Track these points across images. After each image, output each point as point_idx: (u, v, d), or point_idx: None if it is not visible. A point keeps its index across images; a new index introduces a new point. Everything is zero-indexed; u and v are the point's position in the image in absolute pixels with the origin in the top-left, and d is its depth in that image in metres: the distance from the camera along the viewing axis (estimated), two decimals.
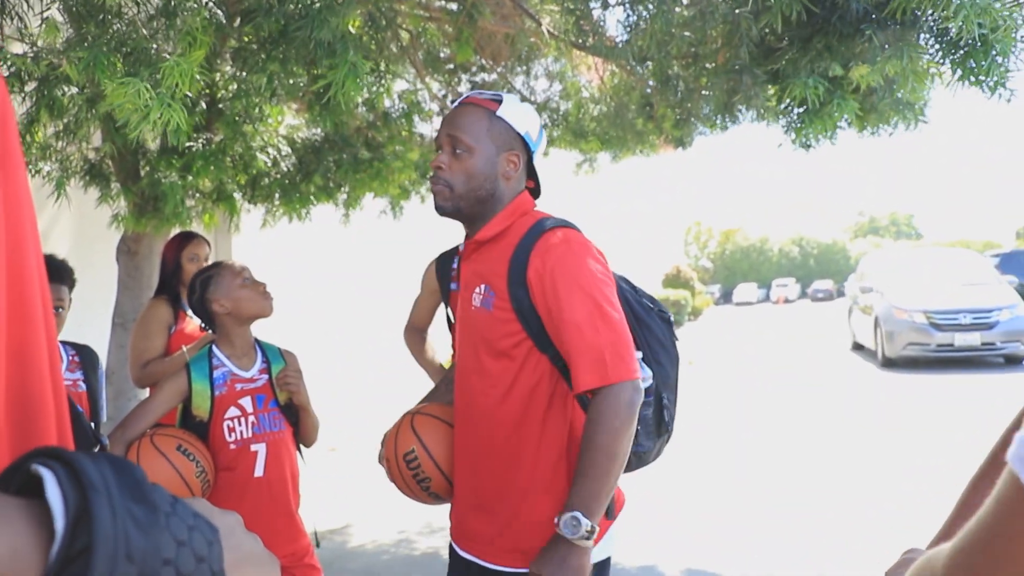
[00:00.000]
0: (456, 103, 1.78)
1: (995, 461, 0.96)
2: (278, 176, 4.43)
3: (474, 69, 5.15)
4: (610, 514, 1.71)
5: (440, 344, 2.98)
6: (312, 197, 4.51)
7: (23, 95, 2.74)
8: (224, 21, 2.85)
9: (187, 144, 3.39)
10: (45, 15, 2.50)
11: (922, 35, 2.51)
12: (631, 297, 1.86)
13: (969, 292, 11.24)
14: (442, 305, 2.61)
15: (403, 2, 3.76)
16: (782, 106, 3.28)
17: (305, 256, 7.69)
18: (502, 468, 1.71)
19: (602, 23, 3.62)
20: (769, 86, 3.12)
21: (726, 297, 56.60)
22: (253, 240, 6.35)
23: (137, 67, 2.21)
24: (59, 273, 2.45)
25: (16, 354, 0.53)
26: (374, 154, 4.62)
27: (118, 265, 4.01)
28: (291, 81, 3.25)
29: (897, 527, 4.30)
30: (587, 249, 1.69)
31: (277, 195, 4.45)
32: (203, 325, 2.46)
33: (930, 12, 2.23)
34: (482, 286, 1.73)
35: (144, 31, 2.36)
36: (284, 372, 2.36)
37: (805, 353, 14.23)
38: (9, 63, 2.52)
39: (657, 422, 1.81)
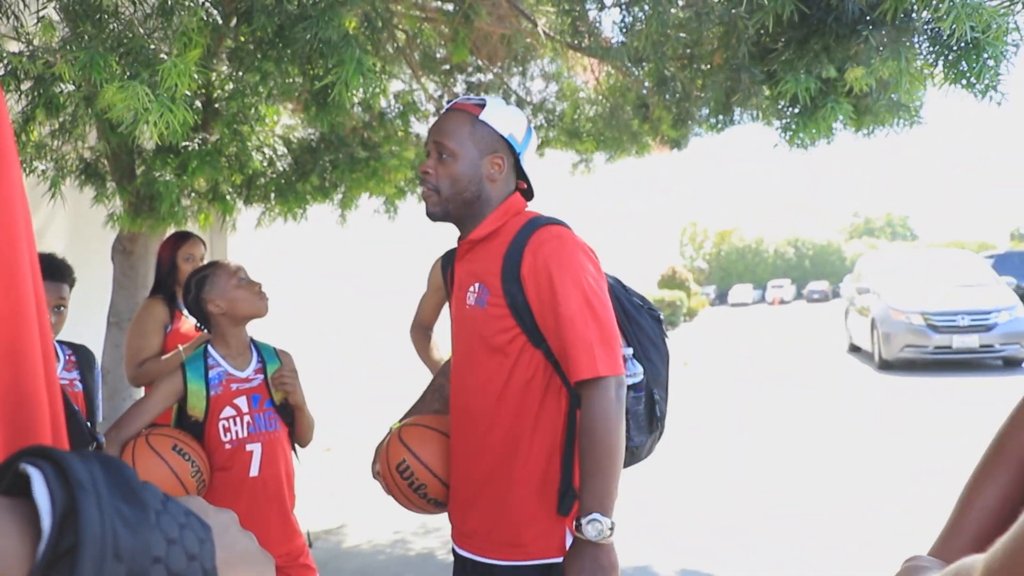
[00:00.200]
0: (445, 108, 1.83)
1: (996, 457, 0.95)
2: (274, 176, 4.42)
3: (470, 70, 5.15)
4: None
5: (445, 342, 2.99)
6: (308, 197, 4.51)
7: (19, 93, 2.73)
8: (220, 21, 2.85)
9: (183, 144, 3.38)
10: (41, 14, 2.49)
11: (916, 37, 2.52)
12: (621, 295, 1.91)
13: (967, 293, 11.10)
14: (447, 303, 2.63)
15: (399, 2, 3.76)
16: (778, 106, 3.29)
17: (301, 256, 7.68)
18: (497, 462, 1.74)
19: (598, 24, 3.63)
20: (765, 87, 3.13)
21: (721, 298, 56.64)
22: (249, 240, 6.34)
23: (135, 67, 2.21)
24: (60, 271, 2.44)
25: (9, 353, 0.53)
26: (370, 153, 4.62)
27: (113, 264, 4.01)
28: (287, 81, 3.25)
29: (894, 531, 4.31)
30: (578, 246, 1.74)
31: (273, 195, 4.45)
32: (199, 325, 2.46)
33: (923, 13, 2.24)
34: (476, 284, 1.77)
35: (141, 31, 2.36)
36: (280, 372, 2.36)
37: (801, 355, 14.16)
38: (5, 61, 2.51)
39: (649, 418, 1.85)
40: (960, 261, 12.59)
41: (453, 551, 1.89)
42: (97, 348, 3.40)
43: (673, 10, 2.92)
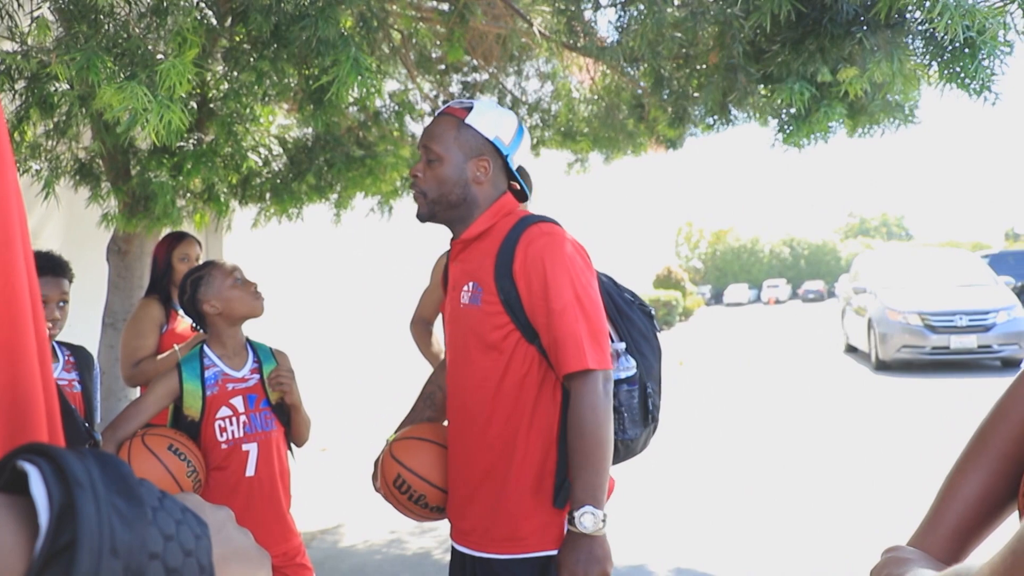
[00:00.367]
0: (437, 112, 1.88)
1: (978, 450, 0.95)
2: (269, 176, 4.42)
3: (465, 69, 5.16)
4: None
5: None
6: (303, 196, 4.51)
7: (13, 93, 2.73)
8: (215, 21, 2.85)
9: (178, 144, 3.38)
10: (36, 14, 2.49)
11: (910, 37, 2.53)
12: (613, 292, 1.95)
13: (965, 293, 10.94)
14: None
15: (395, 2, 3.77)
16: (774, 107, 3.30)
17: (296, 256, 7.68)
18: (496, 458, 1.76)
19: (593, 24, 3.64)
20: (761, 87, 3.14)
21: (717, 298, 56.72)
22: (244, 240, 6.34)
23: (131, 68, 2.21)
24: (61, 267, 2.44)
25: (5, 352, 0.53)
26: (366, 152, 4.62)
27: (108, 265, 4.00)
28: (283, 81, 3.25)
29: (889, 531, 4.32)
30: (569, 243, 1.78)
31: (268, 195, 4.45)
32: (194, 325, 2.46)
33: (917, 13, 2.25)
34: (470, 283, 1.80)
35: (136, 31, 2.35)
36: (277, 372, 2.36)
37: (797, 355, 14.07)
38: None
39: (643, 411, 1.88)
40: (958, 260, 12.40)
41: (452, 548, 1.91)
42: (92, 349, 3.40)
43: (669, 9, 2.93)
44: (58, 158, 3.70)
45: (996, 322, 10.34)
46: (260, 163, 4.34)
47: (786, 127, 3.24)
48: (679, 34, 3.02)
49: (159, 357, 3.09)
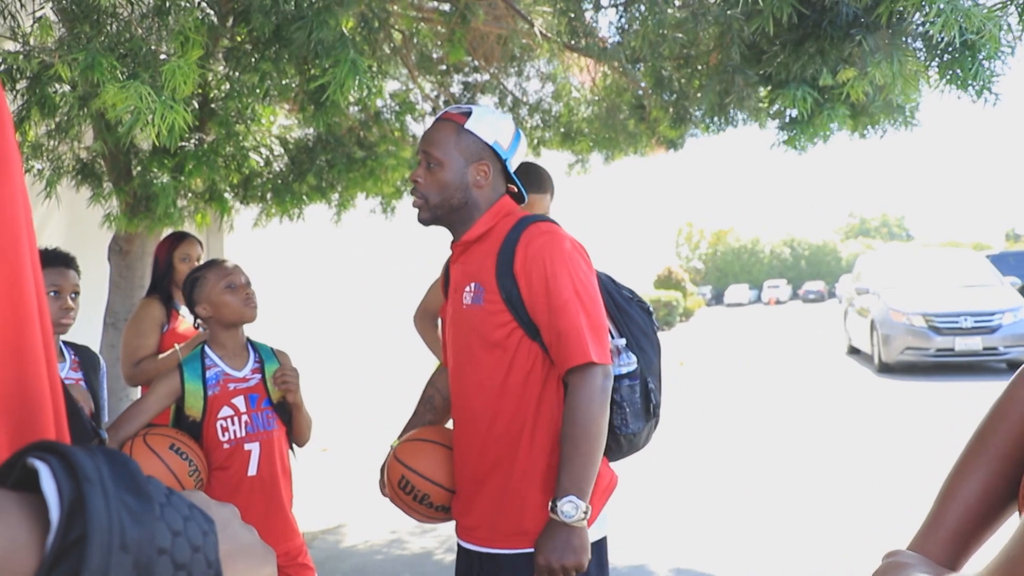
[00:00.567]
0: (436, 118, 1.91)
1: (977, 451, 0.94)
2: (270, 176, 4.43)
3: (466, 70, 5.16)
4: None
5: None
6: (305, 197, 4.51)
7: (14, 93, 2.74)
8: (216, 21, 2.86)
9: (179, 144, 3.39)
10: (38, 14, 2.49)
11: (909, 39, 2.54)
12: (612, 289, 1.99)
13: (970, 294, 10.69)
14: None
15: (396, 2, 3.77)
16: (774, 108, 3.31)
17: (297, 255, 7.68)
18: (502, 454, 1.79)
19: (594, 24, 3.64)
20: (761, 88, 3.14)
21: (717, 298, 56.72)
22: (245, 240, 6.34)
23: (134, 68, 2.22)
24: (68, 259, 2.45)
25: (13, 352, 0.53)
26: (367, 153, 4.62)
27: (110, 265, 4.01)
28: (284, 81, 3.25)
29: (890, 534, 4.32)
30: (568, 241, 1.82)
31: (269, 195, 4.45)
32: (196, 324, 2.48)
33: (916, 16, 2.25)
34: (472, 284, 1.83)
35: (139, 31, 2.36)
36: (281, 371, 2.37)
37: (799, 357, 13.93)
38: (0, 60, 2.52)
39: (645, 406, 1.91)
40: (962, 261, 12.14)
41: (457, 546, 1.92)
42: (93, 348, 3.40)
43: (670, 10, 2.94)
44: (60, 158, 3.70)
45: (1002, 323, 10.09)
46: (261, 163, 4.34)
47: (788, 130, 3.24)
48: (680, 35, 3.03)
49: (160, 357, 3.10)
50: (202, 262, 2.83)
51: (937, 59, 2.38)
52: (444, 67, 5.03)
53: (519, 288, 1.76)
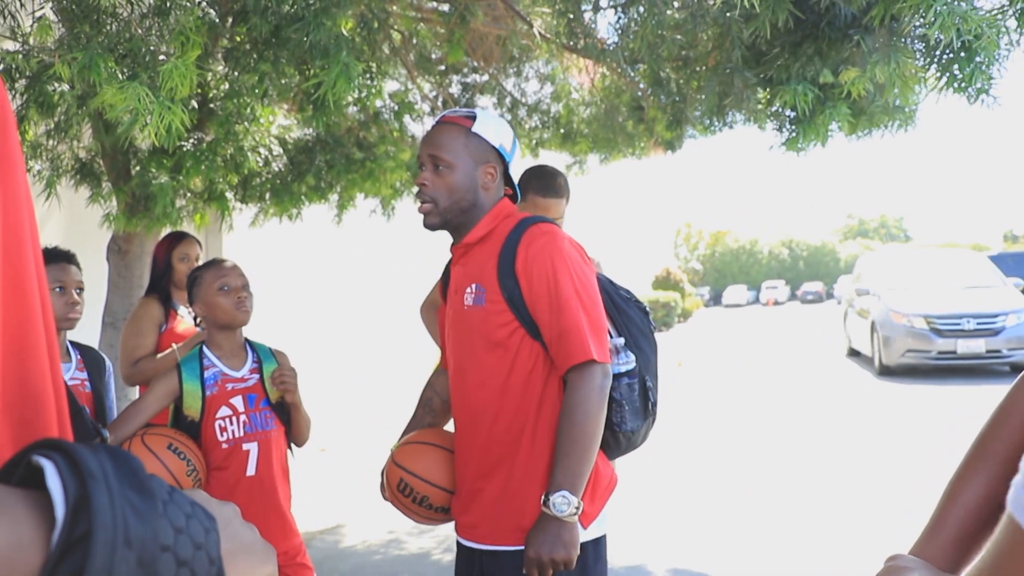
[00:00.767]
0: (434, 122, 1.93)
1: (979, 455, 0.94)
2: (269, 176, 4.43)
3: (465, 71, 5.16)
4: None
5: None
6: (303, 197, 4.52)
7: (13, 92, 2.74)
8: (216, 21, 2.86)
9: (178, 144, 3.39)
10: (38, 14, 2.50)
11: (908, 41, 2.54)
12: (610, 289, 2.03)
13: (972, 295, 10.42)
14: None
15: (395, 3, 3.77)
16: (772, 109, 3.31)
17: (296, 255, 7.69)
18: (504, 452, 1.81)
19: (593, 25, 3.65)
20: (760, 90, 3.15)
21: (716, 299, 56.76)
22: (244, 239, 6.34)
23: (133, 68, 2.22)
24: (65, 255, 2.46)
25: (17, 351, 0.54)
26: (366, 154, 4.62)
27: (108, 264, 4.01)
28: (283, 81, 3.25)
29: (889, 538, 4.33)
30: (568, 242, 1.85)
31: (268, 195, 4.45)
32: (197, 323, 2.49)
33: (914, 18, 2.26)
34: (473, 285, 1.85)
35: (138, 31, 2.36)
36: (280, 371, 2.37)
37: (798, 358, 13.77)
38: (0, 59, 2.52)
39: (643, 404, 1.94)
40: (964, 261, 11.87)
41: (457, 543, 1.94)
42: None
43: (668, 12, 2.94)
44: (59, 158, 3.71)
45: (1005, 326, 9.83)
46: (260, 163, 4.35)
47: (788, 130, 3.25)
48: (679, 36, 3.04)
49: (158, 356, 3.10)
50: (201, 262, 2.84)
51: (935, 61, 2.38)
52: (443, 68, 5.04)
53: (520, 288, 1.78)
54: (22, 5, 2.58)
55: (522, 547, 1.76)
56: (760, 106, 3.32)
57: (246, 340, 2.46)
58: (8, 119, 0.57)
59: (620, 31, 3.32)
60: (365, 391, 8.60)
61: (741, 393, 9.84)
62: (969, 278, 11.15)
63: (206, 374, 2.32)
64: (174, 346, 3.04)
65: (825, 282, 60.40)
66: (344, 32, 2.62)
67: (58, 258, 2.41)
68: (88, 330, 3.94)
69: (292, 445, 2.49)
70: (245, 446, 2.30)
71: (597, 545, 1.84)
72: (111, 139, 3.24)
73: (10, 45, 2.79)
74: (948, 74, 2.31)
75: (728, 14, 2.69)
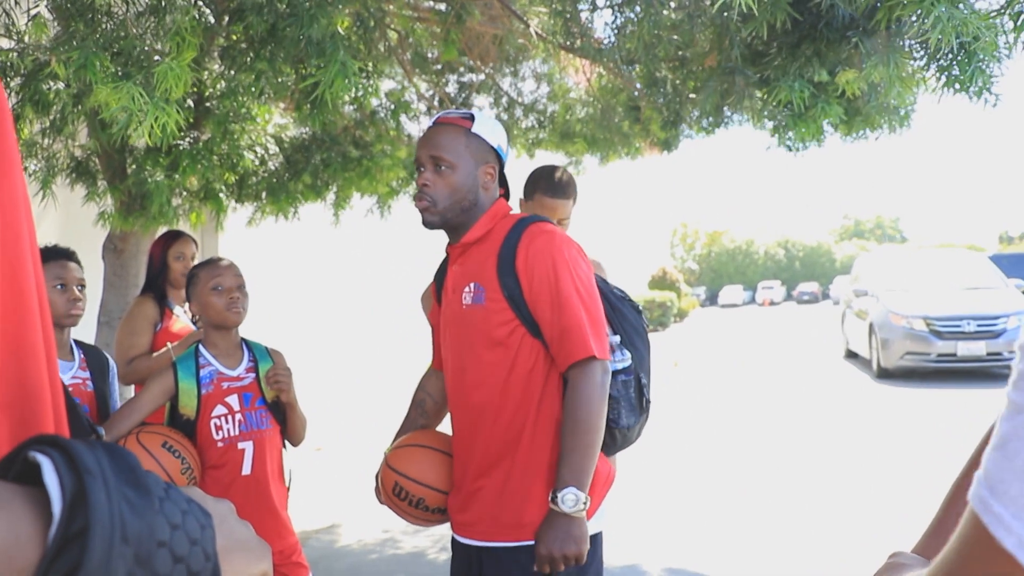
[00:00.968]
0: (431, 123, 1.95)
1: (979, 460, 0.94)
2: (266, 175, 4.42)
3: (462, 70, 5.16)
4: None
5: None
6: (300, 196, 4.51)
7: (9, 90, 2.73)
8: (212, 20, 2.85)
9: (174, 143, 3.38)
10: (33, 12, 2.49)
11: (907, 42, 2.55)
12: (604, 288, 2.06)
13: (973, 297, 10.18)
14: None
15: (392, 2, 3.77)
16: (769, 109, 3.31)
17: (293, 254, 7.68)
18: (504, 449, 1.82)
19: (590, 25, 3.65)
20: (757, 90, 3.15)
21: (712, 299, 56.85)
22: (240, 238, 6.34)
23: (128, 68, 2.21)
24: (65, 253, 2.46)
25: (14, 349, 0.54)
26: (362, 152, 4.62)
27: (104, 263, 4.00)
28: (279, 80, 3.25)
29: (887, 539, 4.34)
30: (566, 240, 1.87)
31: (264, 194, 4.44)
32: (195, 321, 2.49)
33: (913, 20, 2.26)
34: (471, 284, 1.86)
35: (134, 30, 2.36)
36: (274, 370, 2.37)
37: (794, 360, 13.60)
38: None
39: (638, 400, 1.98)
40: (964, 262, 11.61)
41: (452, 541, 1.94)
42: None
43: (665, 12, 2.94)
44: (54, 156, 3.70)
45: (1007, 328, 9.56)
46: (256, 162, 4.34)
47: (782, 128, 3.25)
48: (676, 36, 3.04)
49: (153, 355, 3.10)
50: (197, 261, 2.83)
51: (935, 62, 2.39)
52: (439, 67, 5.04)
53: (521, 286, 1.79)
54: (17, 3, 2.58)
55: (521, 543, 1.77)
56: (760, 104, 3.32)
57: (242, 339, 2.46)
58: (5, 117, 0.57)
59: (616, 31, 3.32)
60: (361, 390, 8.60)
61: (737, 394, 9.82)
62: (969, 279, 10.94)
63: (202, 373, 2.33)
64: (169, 345, 3.04)
65: (821, 283, 60.57)
66: (340, 31, 2.61)
67: (58, 255, 2.41)
68: (84, 329, 3.93)
69: (287, 444, 2.49)
70: (240, 445, 2.30)
71: (594, 541, 1.86)
72: (107, 138, 3.24)
73: (5, 43, 2.78)
74: (948, 74, 2.32)
75: (725, 15, 2.69)
